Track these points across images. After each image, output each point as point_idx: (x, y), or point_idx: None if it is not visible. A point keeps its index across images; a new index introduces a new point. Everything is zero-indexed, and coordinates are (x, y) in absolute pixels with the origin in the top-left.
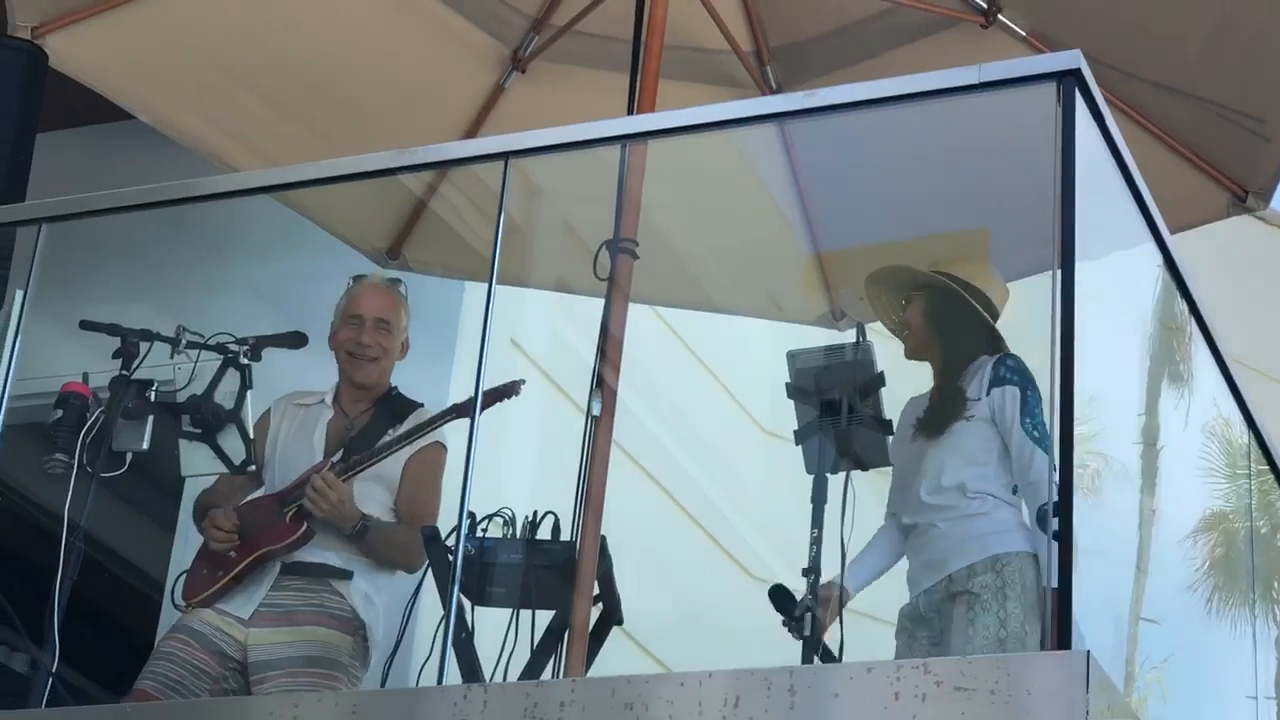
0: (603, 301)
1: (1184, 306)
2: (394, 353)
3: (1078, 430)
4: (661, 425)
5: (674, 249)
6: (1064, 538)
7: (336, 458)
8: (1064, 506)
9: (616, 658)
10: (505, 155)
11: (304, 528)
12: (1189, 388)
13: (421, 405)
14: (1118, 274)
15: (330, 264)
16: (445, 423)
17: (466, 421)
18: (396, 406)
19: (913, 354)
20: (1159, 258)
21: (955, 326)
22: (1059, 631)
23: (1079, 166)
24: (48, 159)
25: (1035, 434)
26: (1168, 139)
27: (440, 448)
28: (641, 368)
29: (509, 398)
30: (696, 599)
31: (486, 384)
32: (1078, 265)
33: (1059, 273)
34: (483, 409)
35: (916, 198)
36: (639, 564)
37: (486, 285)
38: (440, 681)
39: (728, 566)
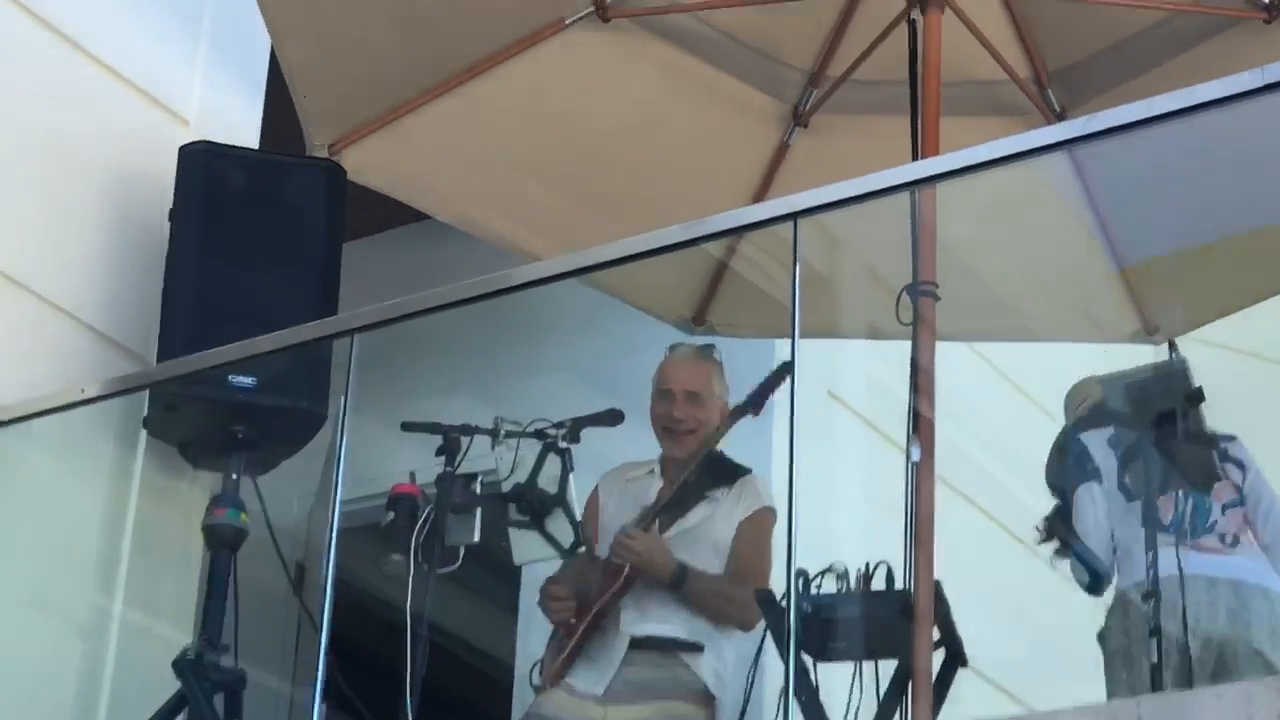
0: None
1: None
2: (708, 424)
3: None
4: (990, 458)
5: (981, 283)
6: None
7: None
8: None
9: (971, 700)
10: (793, 216)
11: (625, 571)
12: None
13: (749, 471)
14: None
15: (643, 334)
16: (733, 425)
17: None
18: (720, 469)
19: None
20: None
21: None
22: None
23: None
24: (356, 267)
25: None
26: None
27: (770, 512)
28: (963, 404)
29: (776, 390)
30: (1044, 630)
31: (799, 434)
32: None
33: None
34: (758, 406)
35: (1216, 200)
36: (983, 601)
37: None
38: None
39: (1073, 594)
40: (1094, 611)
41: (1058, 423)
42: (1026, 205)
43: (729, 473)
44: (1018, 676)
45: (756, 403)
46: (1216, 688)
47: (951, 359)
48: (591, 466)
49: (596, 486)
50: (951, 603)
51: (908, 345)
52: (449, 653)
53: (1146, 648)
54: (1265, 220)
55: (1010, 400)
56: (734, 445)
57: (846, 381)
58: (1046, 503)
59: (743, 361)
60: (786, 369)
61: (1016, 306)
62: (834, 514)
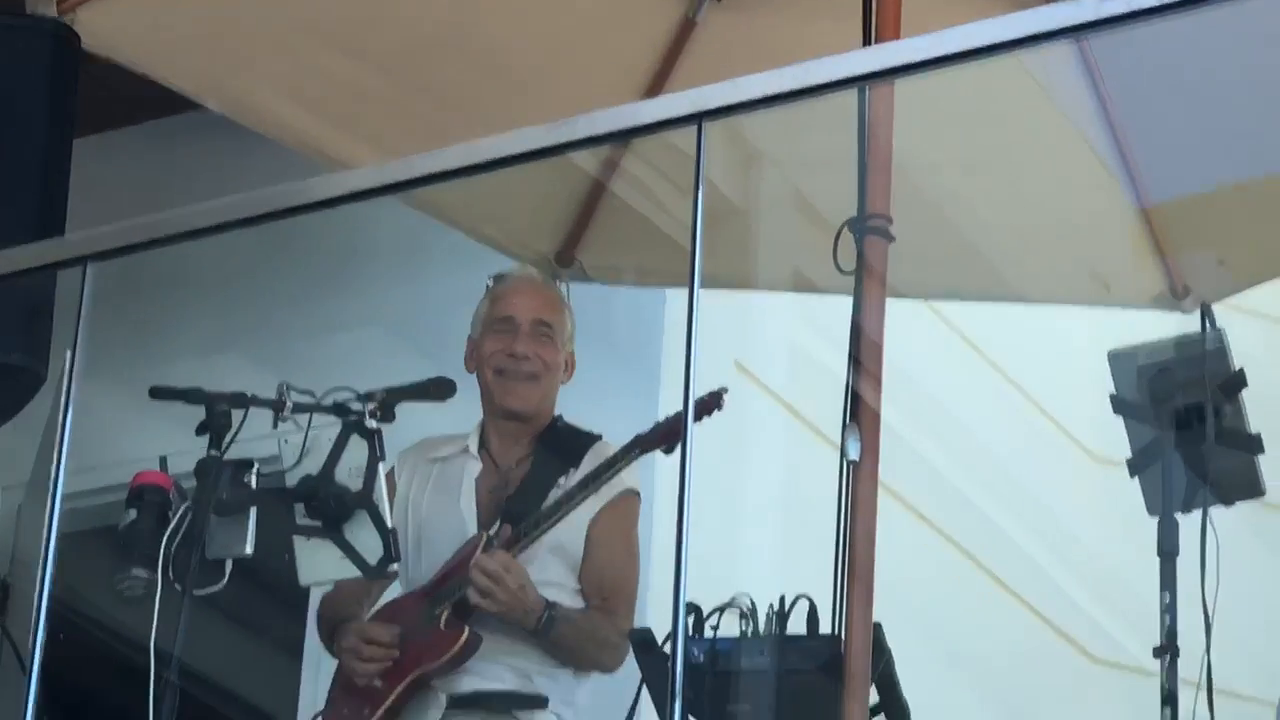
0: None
1: None
2: (559, 369)
3: None
4: (951, 462)
5: (950, 222)
6: None
7: (494, 530)
8: None
9: None
10: (698, 117)
11: (466, 634)
12: None
13: (598, 436)
14: None
15: (479, 280)
16: (631, 460)
17: (670, 472)
18: (567, 442)
19: None
20: None
21: None
22: None
23: None
24: (90, 171)
25: None
26: None
27: (633, 496)
28: (918, 385)
29: (712, 413)
30: (1018, 694)
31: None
32: None
33: None
34: (670, 436)
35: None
36: (935, 653)
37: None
38: None
39: (1058, 647)
40: (1085, 671)
41: (1045, 413)
42: (1016, 119)
43: (574, 444)
44: None
45: (667, 435)
46: None
47: (904, 324)
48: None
49: (391, 469)
50: (895, 652)
51: (844, 302)
52: (205, 704)
53: None
54: None
55: (983, 382)
56: (607, 430)
57: (760, 350)
58: (1025, 523)
59: (621, 317)
60: (716, 399)
61: (997, 256)
62: (737, 527)
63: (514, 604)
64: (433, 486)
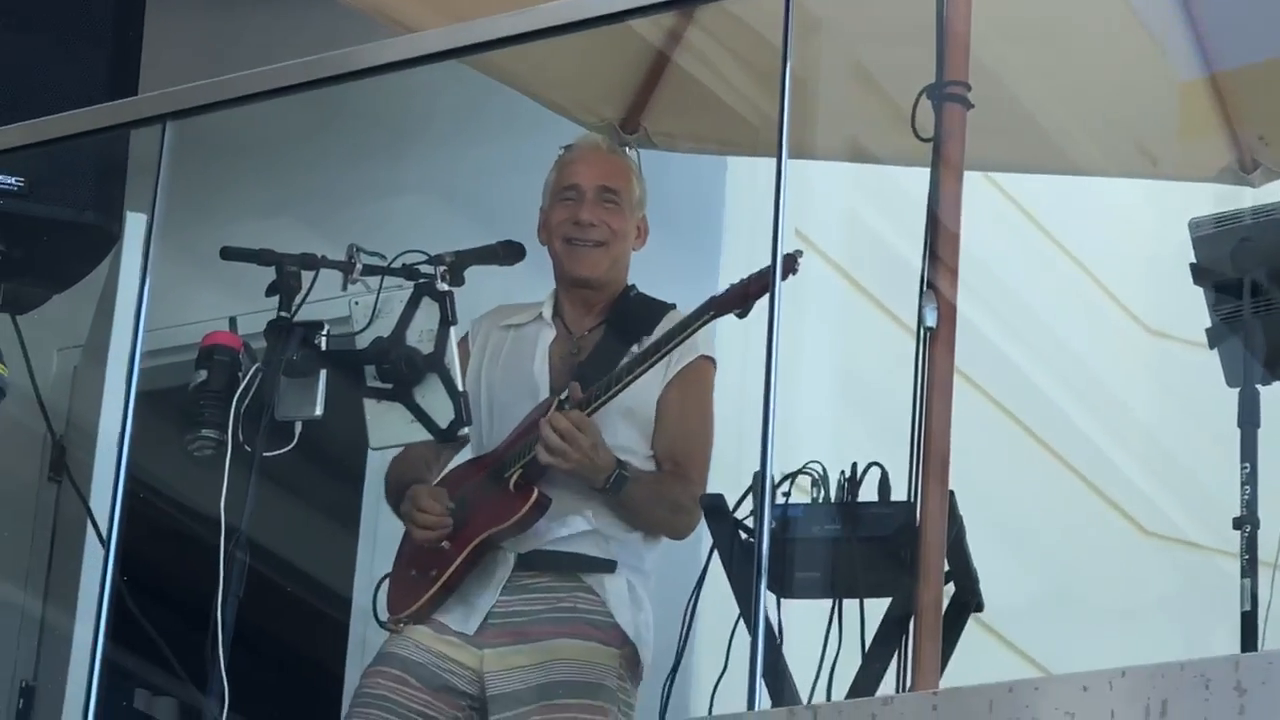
0: (927, 171)
1: None
2: (628, 236)
3: None
4: (1011, 338)
5: (1010, 94)
6: None
7: (564, 395)
8: None
9: (970, 656)
10: None
11: (535, 495)
12: None
13: (673, 306)
14: None
15: (542, 148)
16: (706, 322)
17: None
18: (639, 310)
19: None
20: None
21: None
22: None
23: None
24: (157, 33)
25: None
26: None
27: (708, 363)
28: (974, 258)
29: (787, 277)
30: (1074, 569)
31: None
32: None
33: None
34: (747, 299)
35: None
36: (994, 528)
37: (756, 159)
38: (752, 707)
39: (1114, 522)
40: (1139, 546)
41: (1103, 287)
42: None
43: (647, 313)
44: (1033, 631)
45: (742, 296)
46: None
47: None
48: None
49: (464, 336)
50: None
51: (903, 174)
52: (271, 569)
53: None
54: None
55: (1042, 257)
56: (666, 293)
57: (819, 218)
58: (1078, 396)
59: (680, 185)
60: (791, 262)
61: (1055, 129)
62: (797, 396)
63: (585, 462)
64: (507, 352)
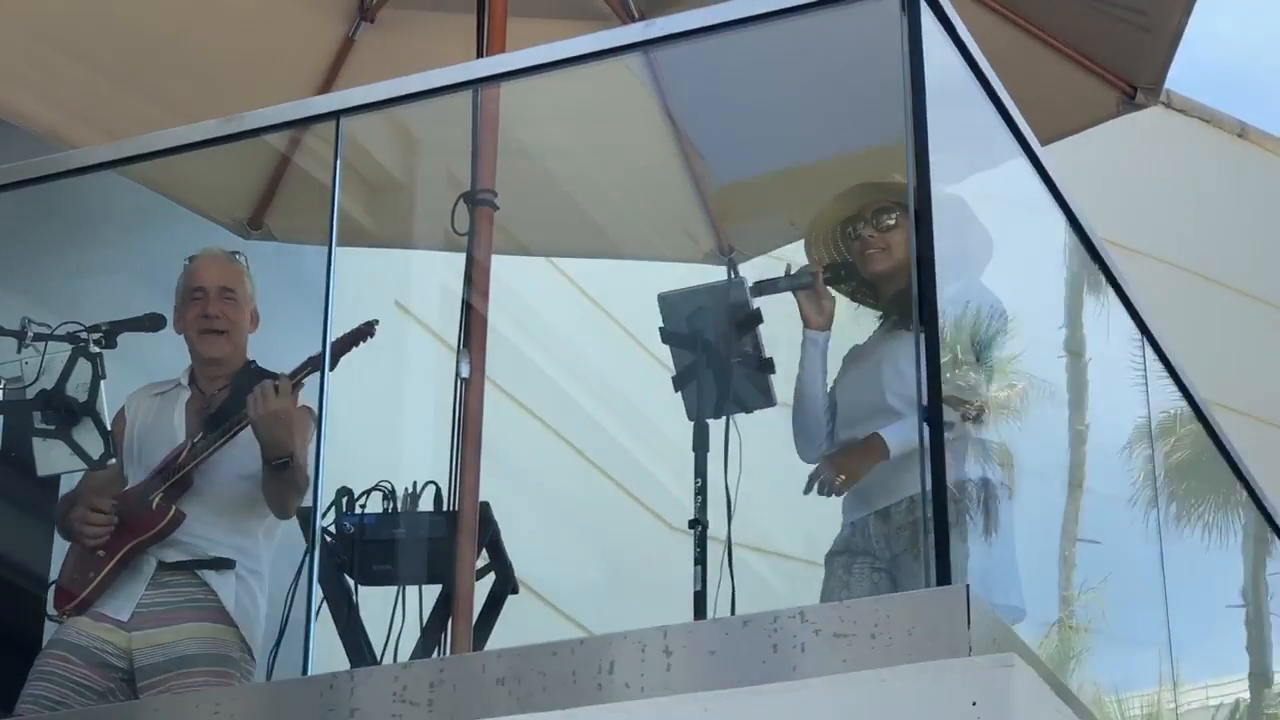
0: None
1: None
2: (243, 325)
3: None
4: (570, 379)
5: (561, 195)
6: (936, 472)
7: (198, 437)
8: (935, 439)
9: (534, 624)
10: (335, 115)
11: (173, 512)
12: (1108, 295)
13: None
14: (1023, 183)
15: (207, 238)
16: (304, 376)
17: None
18: (254, 379)
19: (884, 277)
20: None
21: None
22: (939, 568)
23: (935, 77)
24: None
25: None
26: (1050, 39)
27: (307, 411)
28: (542, 321)
29: (363, 341)
30: (616, 556)
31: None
32: (973, 178)
33: (913, 198)
34: (336, 356)
35: (803, 121)
36: (553, 525)
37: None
38: (305, 671)
39: (647, 518)
40: (666, 539)
41: (637, 341)
42: (611, 117)
43: (260, 380)
44: (587, 604)
45: (332, 356)
46: (743, 616)
47: (535, 275)
48: (126, 378)
49: (124, 406)
50: (522, 528)
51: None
52: None
53: None
54: (853, 145)
55: (591, 319)
56: (286, 361)
57: (419, 293)
58: (622, 422)
59: (311, 271)
60: (369, 329)
61: (603, 221)
62: (403, 434)
63: (274, 422)
64: (155, 412)
